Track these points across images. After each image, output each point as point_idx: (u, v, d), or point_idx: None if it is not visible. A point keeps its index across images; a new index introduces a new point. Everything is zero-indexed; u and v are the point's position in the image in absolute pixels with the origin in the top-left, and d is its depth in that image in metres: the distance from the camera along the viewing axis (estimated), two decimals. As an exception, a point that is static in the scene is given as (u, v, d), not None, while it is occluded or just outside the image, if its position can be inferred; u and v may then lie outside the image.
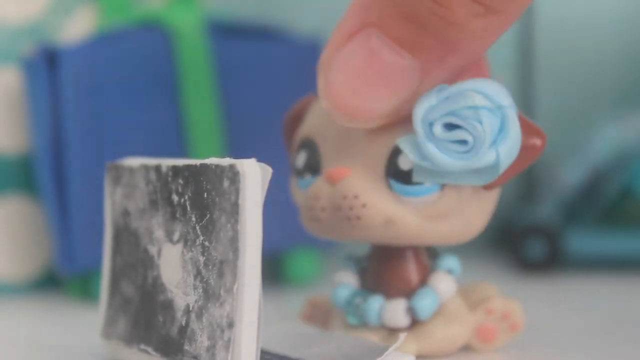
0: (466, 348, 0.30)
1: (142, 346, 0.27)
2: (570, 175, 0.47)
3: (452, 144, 0.27)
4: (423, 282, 0.29)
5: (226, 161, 0.25)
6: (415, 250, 0.30)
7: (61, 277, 0.41)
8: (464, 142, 0.27)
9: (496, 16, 0.25)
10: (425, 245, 0.29)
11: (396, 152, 0.28)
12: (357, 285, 0.30)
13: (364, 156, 0.28)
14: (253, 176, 0.24)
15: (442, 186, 0.28)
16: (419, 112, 0.27)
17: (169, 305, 0.26)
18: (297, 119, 0.31)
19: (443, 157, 0.27)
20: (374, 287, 0.30)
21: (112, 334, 0.29)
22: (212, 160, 0.25)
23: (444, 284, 0.29)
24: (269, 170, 0.25)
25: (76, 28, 0.43)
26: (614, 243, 0.43)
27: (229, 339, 0.24)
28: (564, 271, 0.44)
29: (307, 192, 0.29)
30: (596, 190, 0.44)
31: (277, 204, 0.34)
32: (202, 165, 0.25)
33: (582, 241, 0.44)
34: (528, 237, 0.44)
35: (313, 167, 0.29)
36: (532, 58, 0.48)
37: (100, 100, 0.39)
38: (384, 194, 0.28)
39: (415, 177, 0.28)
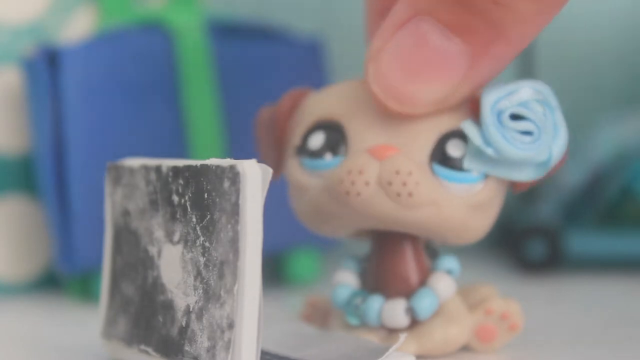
0: (466, 348, 0.30)
1: (142, 346, 0.27)
2: (571, 175, 0.47)
3: (518, 134, 0.27)
4: (423, 282, 0.29)
5: (226, 162, 0.25)
6: (415, 250, 0.30)
7: (61, 277, 0.41)
8: (529, 133, 0.28)
9: None
10: (461, 236, 0.29)
11: (445, 138, 0.28)
12: (356, 285, 0.30)
13: (407, 139, 0.28)
14: (253, 177, 0.24)
15: (486, 177, 0.28)
16: (489, 100, 0.27)
17: (169, 306, 0.26)
18: (291, 113, 0.31)
19: (507, 145, 0.27)
20: (374, 287, 0.30)
21: (112, 334, 0.29)
22: (213, 161, 0.25)
23: (443, 284, 0.29)
24: (269, 171, 0.25)
25: (76, 28, 0.42)
26: (614, 243, 0.43)
27: (229, 340, 0.24)
28: (564, 271, 0.44)
29: (343, 167, 0.28)
30: (596, 191, 0.44)
31: (277, 204, 0.34)
32: (202, 165, 0.25)
33: (582, 241, 0.44)
34: (528, 237, 0.44)
35: (337, 148, 0.29)
36: (532, 58, 0.48)
37: (100, 100, 0.39)
38: (431, 177, 0.28)
39: (467, 164, 0.28)
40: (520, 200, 0.48)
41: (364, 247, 0.31)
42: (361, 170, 0.28)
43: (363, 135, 0.28)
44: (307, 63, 0.43)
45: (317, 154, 0.29)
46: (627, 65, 0.54)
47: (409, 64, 0.27)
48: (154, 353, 0.27)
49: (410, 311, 0.29)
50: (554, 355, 0.30)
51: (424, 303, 0.29)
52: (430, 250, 0.30)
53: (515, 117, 0.28)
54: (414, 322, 0.29)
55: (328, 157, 0.29)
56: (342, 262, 0.31)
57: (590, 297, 0.39)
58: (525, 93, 0.28)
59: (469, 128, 0.28)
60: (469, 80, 0.27)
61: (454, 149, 0.28)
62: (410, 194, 0.27)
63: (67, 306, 0.39)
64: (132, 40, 0.40)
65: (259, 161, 0.25)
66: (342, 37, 0.49)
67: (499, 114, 0.28)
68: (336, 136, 0.29)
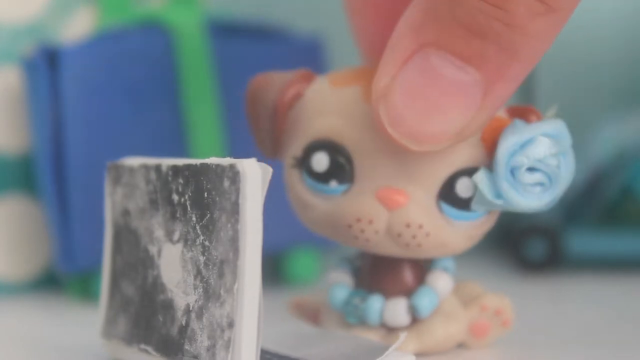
0: (459, 344, 0.30)
1: (142, 346, 0.27)
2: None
3: (530, 186, 0.27)
4: (418, 281, 0.30)
5: (226, 161, 0.25)
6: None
7: (61, 277, 0.41)
8: (541, 184, 0.27)
9: (555, 14, 0.25)
10: (454, 255, 0.29)
11: (454, 177, 0.28)
12: (352, 284, 0.30)
13: (416, 177, 0.28)
14: (253, 176, 0.24)
15: (490, 212, 0.29)
16: (502, 156, 0.27)
17: (169, 305, 0.26)
18: (293, 102, 0.30)
19: (519, 198, 0.27)
20: (370, 286, 0.30)
21: (112, 334, 0.29)
22: (213, 160, 0.25)
23: (442, 282, 0.29)
24: (269, 170, 0.25)
25: (76, 28, 0.42)
26: (614, 243, 0.43)
27: (229, 339, 0.24)
28: (564, 271, 0.44)
29: (351, 209, 0.28)
30: (596, 190, 0.44)
31: (277, 204, 0.34)
32: (202, 164, 0.25)
33: (582, 241, 0.44)
34: (528, 237, 0.44)
35: (342, 176, 0.28)
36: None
37: (100, 100, 0.39)
38: (438, 218, 0.28)
39: (475, 207, 0.28)
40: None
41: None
42: (371, 220, 0.28)
43: (370, 169, 0.28)
44: (307, 63, 0.43)
45: (321, 178, 0.29)
46: (627, 65, 0.54)
47: (424, 102, 0.26)
48: (154, 352, 0.27)
49: (412, 310, 0.29)
50: (554, 355, 0.30)
51: (425, 301, 0.29)
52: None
53: (530, 169, 0.27)
54: (413, 321, 0.29)
55: (333, 184, 0.29)
56: (335, 262, 0.31)
57: (590, 297, 0.39)
58: (543, 147, 0.27)
59: (481, 182, 0.27)
60: (486, 109, 0.26)
61: (463, 190, 0.28)
62: (419, 245, 0.28)
63: (67, 306, 0.39)
64: (132, 40, 0.40)
65: (259, 160, 0.25)
66: (342, 37, 0.48)
67: (513, 170, 0.27)
68: (343, 163, 0.28)
